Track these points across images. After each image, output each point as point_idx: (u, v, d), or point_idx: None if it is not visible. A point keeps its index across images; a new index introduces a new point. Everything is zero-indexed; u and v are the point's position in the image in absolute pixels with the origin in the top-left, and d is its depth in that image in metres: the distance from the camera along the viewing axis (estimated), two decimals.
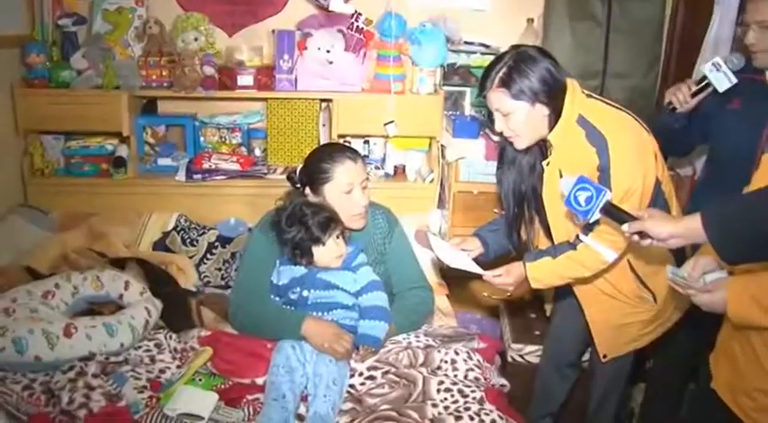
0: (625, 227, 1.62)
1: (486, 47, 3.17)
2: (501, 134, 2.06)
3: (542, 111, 1.96)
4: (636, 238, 1.61)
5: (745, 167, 1.84)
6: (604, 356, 2.22)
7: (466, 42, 3.18)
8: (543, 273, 2.06)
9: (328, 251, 2.13)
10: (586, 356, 2.54)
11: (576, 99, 1.98)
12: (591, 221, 1.75)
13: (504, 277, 2.12)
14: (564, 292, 2.34)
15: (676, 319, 2.19)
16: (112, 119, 2.98)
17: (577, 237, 2.00)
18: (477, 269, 2.13)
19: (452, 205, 2.99)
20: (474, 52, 3.18)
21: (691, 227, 1.49)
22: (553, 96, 1.95)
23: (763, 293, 1.47)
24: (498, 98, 1.96)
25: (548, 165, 2.04)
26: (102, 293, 2.26)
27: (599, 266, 1.99)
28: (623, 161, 1.91)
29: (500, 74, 1.94)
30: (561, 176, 1.97)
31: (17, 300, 2.09)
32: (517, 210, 2.23)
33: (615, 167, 1.91)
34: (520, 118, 1.97)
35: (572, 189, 1.73)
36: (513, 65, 1.94)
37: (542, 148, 2.10)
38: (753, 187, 1.62)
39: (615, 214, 1.68)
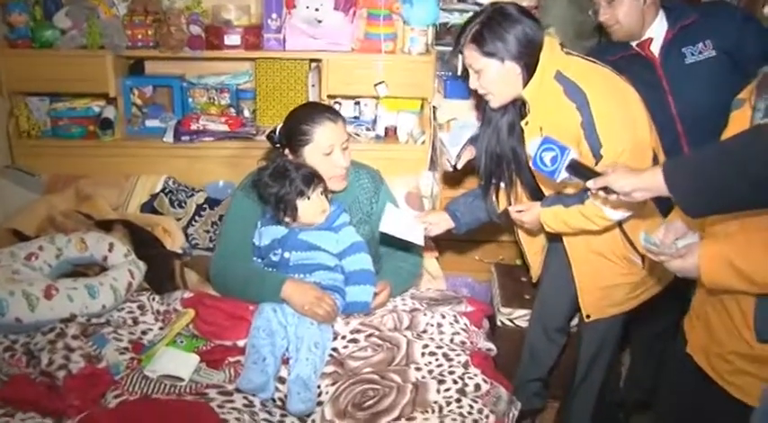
0: (590, 183, 1.63)
1: (480, 5, 3.09)
2: (475, 92, 2.06)
3: (514, 69, 1.95)
4: (602, 194, 1.62)
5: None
6: (587, 317, 2.20)
7: (459, 0, 3.10)
8: (554, 219, 2.06)
9: (313, 205, 2.10)
10: (575, 322, 2.52)
11: (554, 56, 1.95)
12: (558, 181, 1.74)
13: (524, 214, 2.14)
14: (553, 254, 2.32)
15: (663, 285, 2.16)
16: (98, 80, 2.94)
17: (586, 189, 1.96)
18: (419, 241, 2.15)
19: (444, 167, 2.94)
20: (467, 11, 3.08)
21: (652, 179, 1.49)
22: (526, 55, 1.93)
23: (737, 256, 1.45)
24: (470, 55, 1.97)
25: (526, 124, 2.01)
26: (87, 255, 2.25)
27: (603, 223, 1.97)
28: (607, 115, 1.89)
29: (473, 30, 1.94)
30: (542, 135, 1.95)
31: (0, 261, 2.08)
32: (493, 172, 2.22)
33: (600, 123, 1.88)
34: (491, 75, 1.96)
35: (537, 150, 1.74)
36: (486, 21, 1.93)
37: (521, 108, 2.07)
38: None
39: (581, 171, 1.69)
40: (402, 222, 2.13)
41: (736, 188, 1.38)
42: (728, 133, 1.62)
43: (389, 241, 2.20)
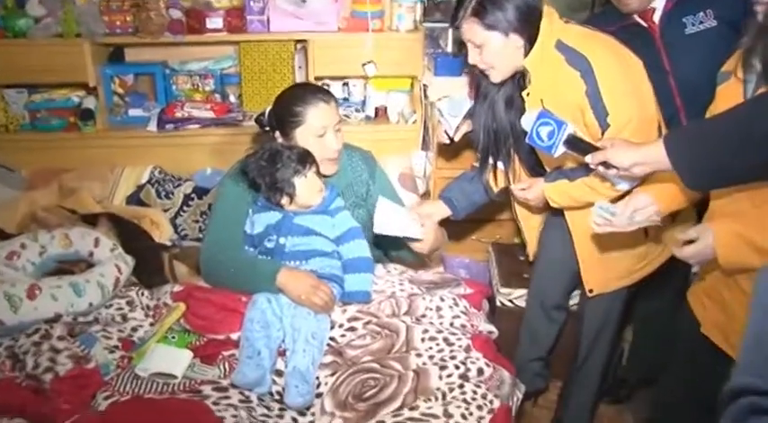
0: (588, 158, 1.60)
1: None
2: (474, 67, 1.99)
3: (517, 41, 1.89)
4: (601, 169, 1.59)
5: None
6: (590, 291, 2.15)
7: None
8: (559, 194, 2.02)
9: (310, 184, 2.03)
10: (574, 300, 2.48)
11: (554, 25, 1.89)
12: (555, 156, 1.69)
13: (527, 191, 2.10)
14: (551, 229, 2.28)
15: (666, 257, 2.11)
16: (76, 69, 2.84)
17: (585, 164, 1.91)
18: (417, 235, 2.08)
19: (437, 146, 2.88)
20: None
21: (653, 153, 1.47)
22: (528, 26, 1.87)
23: (753, 233, 1.43)
24: (471, 29, 1.90)
25: (527, 95, 1.95)
26: (71, 251, 2.17)
27: (610, 194, 1.91)
28: (612, 82, 1.83)
29: (473, 3, 1.87)
30: (543, 107, 1.89)
31: None
32: (491, 149, 2.16)
33: (606, 90, 1.82)
34: (493, 49, 1.90)
35: (534, 124, 1.70)
36: None
37: (520, 81, 2.01)
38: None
39: (579, 146, 1.66)
40: (395, 218, 2.05)
41: (742, 155, 1.35)
42: (716, 107, 1.60)
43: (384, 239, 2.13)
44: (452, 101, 2.65)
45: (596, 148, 1.60)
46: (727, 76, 1.58)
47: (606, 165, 1.57)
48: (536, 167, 2.14)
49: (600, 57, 1.84)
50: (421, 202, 2.37)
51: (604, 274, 2.13)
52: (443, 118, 2.64)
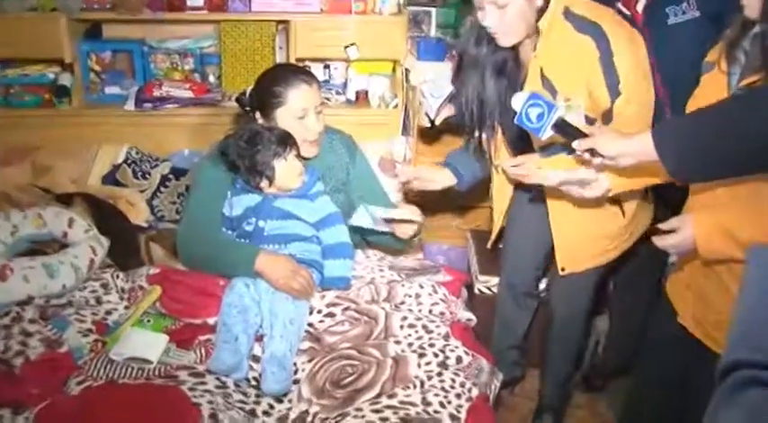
0: (575, 144, 1.59)
1: None
2: (484, 29, 1.93)
3: (537, 1, 1.85)
4: (587, 156, 1.58)
5: None
6: (563, 269, 2.14)
7: None
8: (558, 169, 1.95)
9: (290, 167, 2.00)
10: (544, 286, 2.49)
11: None
12: (543, 139, 1.69)
13: (522, 167, 2.01)
14: (519, 211, 2.27)
15: (637, 236, 2.12)
16: (52, 44, 2.78)
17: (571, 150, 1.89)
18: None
19: (417, 131, 2.86)
20: None
21: (641, 144, 1.46)
22: None
23: (733, 224, 1.44)
24: None
25: (535, 57, 1.91)
26: (45, 232, 2.13)
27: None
28: (625, 52, 1.81)
29: None
30: (542, 77, 1.88)
31: None
32: (477, 122, 2.12)
33: (619, 59, 1.80)
34: (516, 9, 1.84)
35: (524, 105, 1.67)
36: None
37: (508, 58, 2.00)
38: (694, 107, 1.59)
39: (567, 131, 1.64)
40: (373, 218, 2.05)
41: (731, 150, 1.35)
42: (700, 97, 1.60)
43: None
44: (435, 82, 2.62)
45: (584, 135, 1.58)
46: (711, 67, 1.58)
47: (592, 152, 1.55)
48: (517, 142, 2.10)
49: (613, 26, 1.83)
50: (427, 168, 2.29)
51: (578, 253, 2.13)
52: (425, 99, 2.61)
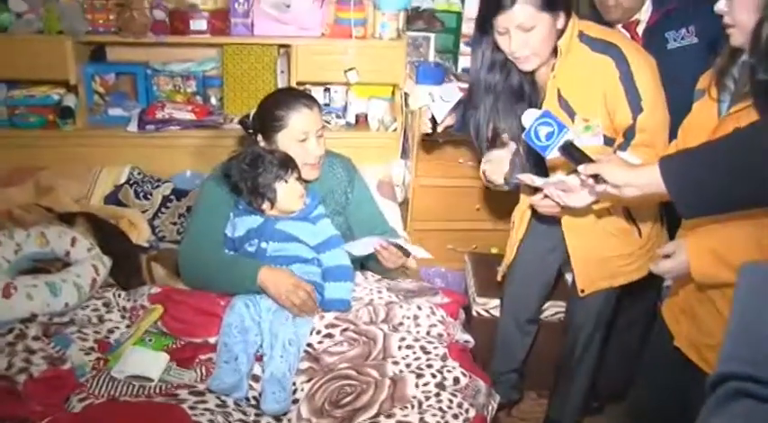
0: (581, 168, 1.57)
1: None
2: (498, 55, 1.98)
3: (559, 22, 1.89)
4: (591, 181, 1.56)
5: None
6: (582, 291, 2.17)
7: None
8: None
9: (291, 189, 2.03)
10: (549, 311, 2.51)
11: (575, 17, 1.93)
12: (547, 158, 1.70)
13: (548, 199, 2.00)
14: (532, 239, 2.28)
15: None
16: (57, 66, 2.81)
17: (615, 152, 1.91)
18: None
19: (416, 155, 2.90)
20: None
21: (648, 176, 1.43)
22: (568, 2, 1.90)
23: (724, 249, 1.45)
24: (524, 11, 1.84)
25: (554, 78, 1.95)
26: (48, 250, 2.15)
27: None
28: (644, 71, 1.87)
29: None
30: (560, 98, 1.91)
31: None
32: (491, 145, 2.17)
33: (639, 77, 1.85)
34: (542, 31, 1.87)
35: (534, 122, 1.67)
36: None
37: (524, 82, 2.04)
38: (684, 134, 1.62)
39: (573, 154, 1.63)
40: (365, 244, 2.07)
41: (740, 184, 1.34)
42: (691, 124, 1.63)
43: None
44: (446, 87, 2.65)
45: (590, 160, 1.57)
46: (702, 94, 1.60)
47: (597, 179, 1.53)
48: (539, 168, 2.07)
49: (629, 46, 1.88)
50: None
51: (596, 273, 2.15)
52: (433, 103, 2.62)
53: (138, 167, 2.85)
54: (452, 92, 2.56)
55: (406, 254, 2.08)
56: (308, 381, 1.78)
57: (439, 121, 2.45)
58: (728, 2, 1.45)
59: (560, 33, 1.91)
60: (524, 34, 1.87)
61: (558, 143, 1.64)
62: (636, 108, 1.87)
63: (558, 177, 1.84)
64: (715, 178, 1.36)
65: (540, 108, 1.97)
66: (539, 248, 2.24)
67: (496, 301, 2.64)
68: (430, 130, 2.51)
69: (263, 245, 2.01)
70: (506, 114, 2.09)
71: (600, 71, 1.88)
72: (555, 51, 1.94)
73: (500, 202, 2.30)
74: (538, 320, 2.49)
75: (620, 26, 2.26)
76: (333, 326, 1.93)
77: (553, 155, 1.67)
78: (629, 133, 1.90)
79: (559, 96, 1.95)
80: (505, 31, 1.88)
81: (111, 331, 1.94)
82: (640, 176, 1.45)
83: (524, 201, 2.23)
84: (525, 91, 2.07)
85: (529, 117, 1.69)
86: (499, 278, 2.48)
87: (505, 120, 2.10)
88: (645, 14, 2.23)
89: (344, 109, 3.15)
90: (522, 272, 2.36)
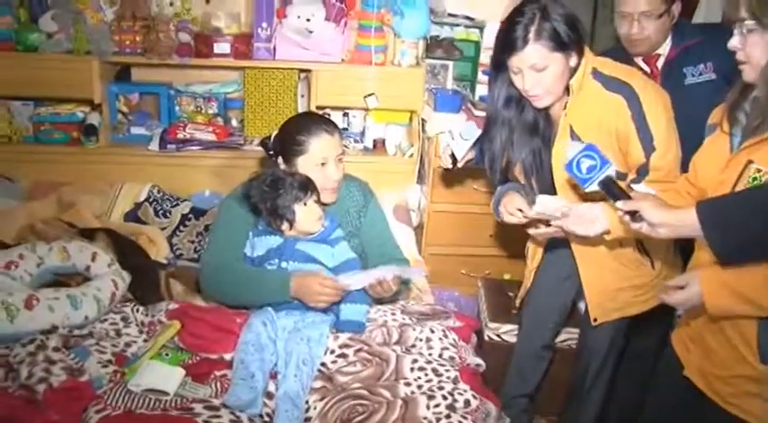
0: (620, 204, 1.57)
1: (471, 20, 3.10)
2: (513, 89, 2.00)
3: (572, 61, 1.91)
4: (627, 218, 1.56)
5: None
6: (594, 320, 2.18)
7: (450, 14, 3.11)
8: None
9: (310, 211, 2.07)
10: (561, 337, 2.51)
11: (589, 54, 1.94)
12: (586, 191, 1.71)
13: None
14: (549, 268, 2.30)
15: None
16: (83, 85, 2.89)
17: (629, 186, 1.92)
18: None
19: (432, 181, 2.94)
20: (458, 25, 3.10)
21: (684, 218, 1.45)
22: (580, 41, 1.91)
23: (739, 282, 1.45)
24: (537, 51, 1.87)
25: (566, 116, 1.97)
26: (69, 264, 2.19)
27: None
28: (656, 109, 1.88)
29: (534, 26, 1.86)
30: (572, 134, 1.93)
31: None
32: (504, 176, 2.19)
33: (651, 116, 1.86)
34: (556, 70, 1.90)
35: (577, 154, 1.68)
36: (542, 16, 1.86)
37: (539, 117, 2.06)
38: (695, 168, 1.65)
39: (612, 190, 1.63)
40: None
41: None
42: (702, 158, 1.64)
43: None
44: (467, 125, 2.69)
45: (628, 197, 1.58)
46: (713, 129, 1.62)
47: (634, 216, 1.53)
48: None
49: (642, 85, 1.89)
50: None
51: (608, 304, 2.16)
52: (453, 141, 2.66)
53: (158, 186, 2.90)
54: (472, 130, 2.59)
55: (405, 282, 2.10)
56: (321, 399, 1.80)
57: (459, 158, 2.46)
58: (742, 38, 1.48)
59: (574, 71, 1.93)
60: (537, 74, 1.90)
61: (598, 177, 1.65)
62: (648, 147, 1.89)
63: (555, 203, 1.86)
64: (751, 223, 1.38)
65: (552, 143, 2.02)
66: (555, 275, 2.26)
67: (509, 326, 2.66)
68: (450, 166, 2.53)
69: (284, 264, 2.05)
70: (520, 147, 2.12)
71: (612, 110, 1.89)
72: (568, 89, 1.97)
73: (513, 229, 2.32)
74: (553, 346, 2.49)
75: (640, 59, 2.28)
76: (347, 346, 1.96)
77: (592, 188, 1.67)
78: (642, 170, 1.92)
79: (572, 132, 1.97)
80: (519, 70, 1.92)
81: (128, 345, 1.97)
82: (677, 218, 1.46)
83: None
84: (540, 125, 2.09)
85: (572, 149, 1.70)
86: (517, 303, 2.50)
87: (519, 153, 2.13)
88: (665, 49, 2.25)
89: (362, 134, 3.19)
90: (539, 297, 2.38)
